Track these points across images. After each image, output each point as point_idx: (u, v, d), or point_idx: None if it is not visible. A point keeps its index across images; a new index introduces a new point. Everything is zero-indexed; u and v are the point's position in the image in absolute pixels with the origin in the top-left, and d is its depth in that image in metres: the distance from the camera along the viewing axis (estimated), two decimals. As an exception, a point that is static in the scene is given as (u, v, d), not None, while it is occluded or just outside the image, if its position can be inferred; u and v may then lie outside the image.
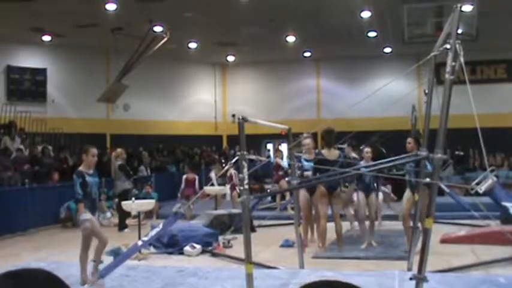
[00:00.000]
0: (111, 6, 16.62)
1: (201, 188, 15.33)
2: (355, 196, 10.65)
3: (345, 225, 11.12)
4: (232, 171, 15.04)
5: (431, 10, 16.14)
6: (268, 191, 17.83)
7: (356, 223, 11.21)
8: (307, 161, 10.41)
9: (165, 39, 19.23)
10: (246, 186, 5.57)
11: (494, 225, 9.93)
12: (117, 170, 14.12)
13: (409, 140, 9.81)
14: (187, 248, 10.20)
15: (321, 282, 4.65)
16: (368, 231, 10.35)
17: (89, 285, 6.96)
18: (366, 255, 9.57)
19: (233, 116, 25.00)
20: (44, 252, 11.23)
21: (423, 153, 5.91)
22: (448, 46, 5.08)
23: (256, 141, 24.33)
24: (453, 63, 5.04)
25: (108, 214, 14.97)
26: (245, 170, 5.52)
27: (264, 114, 23.94)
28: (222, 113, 27.98)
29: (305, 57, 25.78)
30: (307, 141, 10.61)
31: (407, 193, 9.98)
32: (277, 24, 19.81)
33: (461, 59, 5.01)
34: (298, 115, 25.25)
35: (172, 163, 23.00)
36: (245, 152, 5.60)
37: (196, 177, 16.22)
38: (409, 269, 7.47)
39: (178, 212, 6.31)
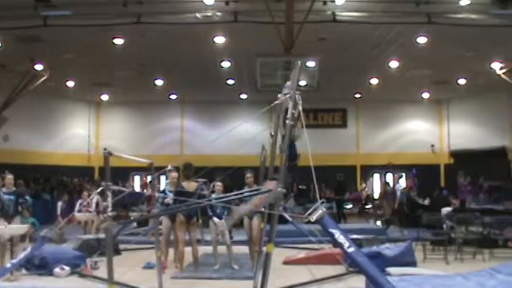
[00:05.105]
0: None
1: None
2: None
3: (201, 250, 11.08)
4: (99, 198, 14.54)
5: (281, 64, 16.67)
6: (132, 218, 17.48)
7: None
8: (170, 191, 10.37)
9: (45, 77, 18.81)
10: (110, 214, 5.42)
11: (327, 248, 10.33)
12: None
13: (249, 175, 10.16)
14: (56, 270, 9.70)
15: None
16: (227, 255, 10.37)
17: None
18: (218, 276, 9.59)
19: (105, 149, 24.30)
20: None
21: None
22: (288, 96, 5.26)
23: (124, 173, 23.70)
24: (293, 111, 5.22)
25: None
26: (109, 198, 5.38)
27: (134, 148, 23.87)
28: (95, 146, 27.10)
29: (171, 99, 25.81)
30: (174, 174, 10.63)
31: (246, 220, 10.21)
32: (147, 68, 19.72)
33: (300, 108, 5.19)
34: (164, 150, 25.20)
35: (47, 191, 22.00)
36: (110, 183, 5.47)
37: (59, 203, 15.34)
38: (254, 288, 7.54)
39: (46, 236, 5.96)
